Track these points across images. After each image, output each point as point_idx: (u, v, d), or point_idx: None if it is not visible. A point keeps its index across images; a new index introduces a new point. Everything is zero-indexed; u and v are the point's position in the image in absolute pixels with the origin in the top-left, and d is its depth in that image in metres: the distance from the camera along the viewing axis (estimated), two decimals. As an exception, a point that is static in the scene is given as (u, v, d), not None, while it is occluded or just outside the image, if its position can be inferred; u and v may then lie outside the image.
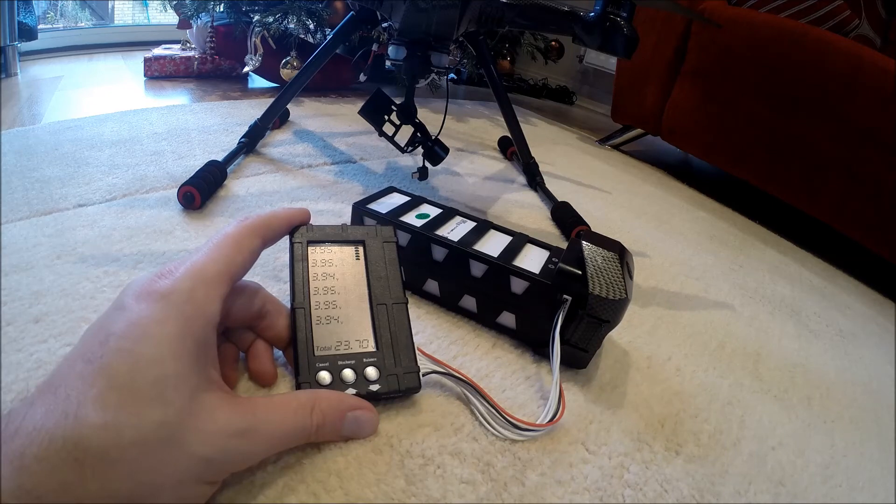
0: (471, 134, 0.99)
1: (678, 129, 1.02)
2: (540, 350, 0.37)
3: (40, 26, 1.11)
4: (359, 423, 0.27)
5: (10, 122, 0.69)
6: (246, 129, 0.67)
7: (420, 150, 0.60)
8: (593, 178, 0.87)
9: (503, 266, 0.36)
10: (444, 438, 0.29)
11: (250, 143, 0.66)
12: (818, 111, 0.86)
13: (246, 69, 1.01)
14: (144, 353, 0.20)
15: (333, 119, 0.91)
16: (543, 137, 1.09)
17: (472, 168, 0.78)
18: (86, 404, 0.18)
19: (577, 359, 0.36)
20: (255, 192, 0.56)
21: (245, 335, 0.30)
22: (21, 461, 0.17)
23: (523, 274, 0.35)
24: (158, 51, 1.08)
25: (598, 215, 0.66)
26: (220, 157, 0.59)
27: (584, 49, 1.70)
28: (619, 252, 0.36)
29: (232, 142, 0.67)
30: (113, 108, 0.79)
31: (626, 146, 1.18)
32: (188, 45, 1.15)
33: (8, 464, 0.17)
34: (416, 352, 0.31)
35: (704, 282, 0.56)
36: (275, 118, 0.68)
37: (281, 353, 0.32)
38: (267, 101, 0.79)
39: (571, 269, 0.34)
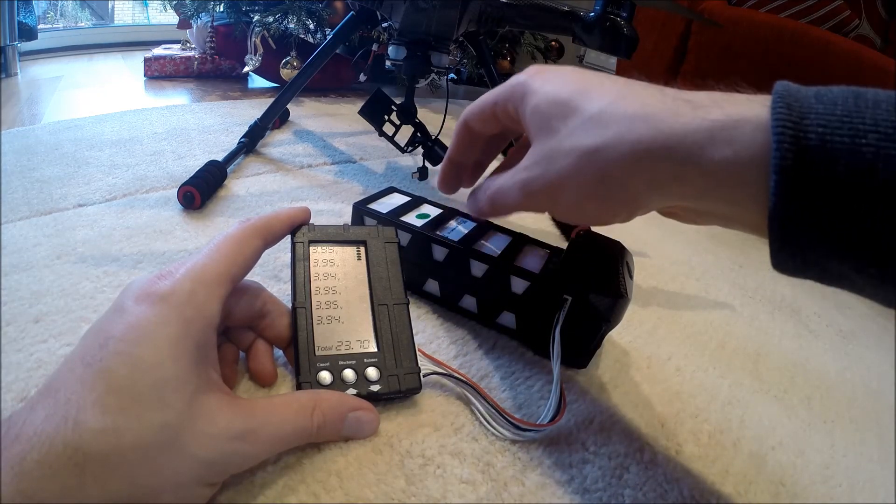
0: (471, 134, 0.99)
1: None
2: (540, 350, 0.37)
3: (40, 26, 1.11)
4: (359, 424, 0.27)
5: (10, 122, 0.69)
6: (246, 129, 0.67)
7: (420, 150, 0.60)
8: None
9: (503, 266, 0.36)
10: (444, 438, 0.29)
11: (250, 143, 0.66)
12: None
13: (246, 69, 1.00)
14: (144, 356, 0.20)
15: (333, 119, 0.91)
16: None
17: (472, 168, 0.78)
18: (85, 408, 0.18)
19: (577, 359, 0.36)
20: (255, 192, 0.56)
21: (245, 335, 0.30)
22: (21, 466, 0.17)
23: (524, 274, 0.35)
24: (158, 51, 1.08)
25: (598, 215, 0.66)
26: (220, 157, 0.59)
27: (584, 49, 1.70)
28: (619, 252, 0.36)
29: (232, 142, 0.67)
30: (113, 108, 0.79)
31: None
32: (188, 45, 1.15)
33: (8, 469, 0.17)
34: (417, 352, 0.31)
35: (704, 282, 0.56)
36: (275, 118, 0.68)
37: (281, 352, 0.32)
38: (267, 101, 0.79)
39: (572, 269, 0.34)
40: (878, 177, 0.16)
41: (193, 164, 0.57)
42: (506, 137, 0.33)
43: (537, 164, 0.25)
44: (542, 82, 0.25)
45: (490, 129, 0.31)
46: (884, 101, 0.17)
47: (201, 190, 0.50)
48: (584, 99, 0.23)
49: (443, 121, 0.67)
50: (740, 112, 0.19)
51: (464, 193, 0.34)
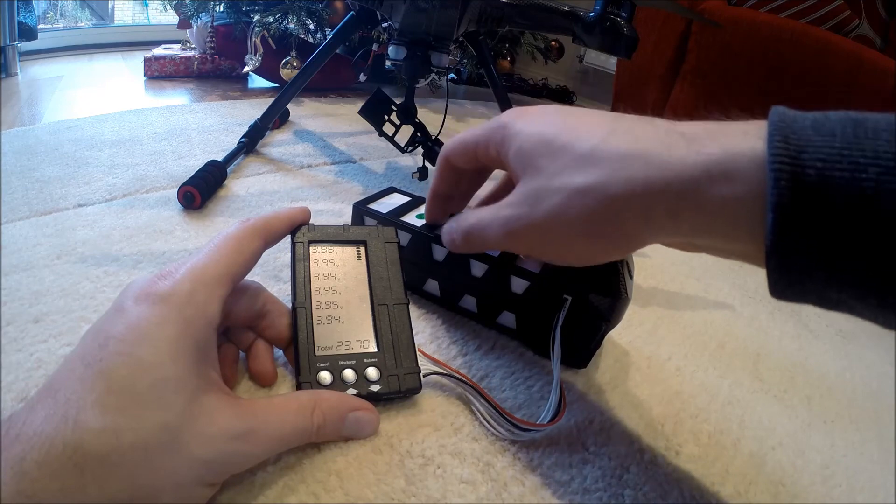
0: (471, 134, 0.99)
1: (678, 129, 1.02)
2: (540, 350, 0.37)
3: (40, 26, 1.11)
4: (360, 424, 0.27)
5: (10, 122, 0.69)
6: (246, 129, 0.67)
7: (420, 150, 0.60)
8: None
9: (503, 266, 0.36)
10: (444, 438, 0.29)
11: (250, 142, 0.66)
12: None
13: (246, 69, 1.01)
14: (143, 357, 0.20)
15: (333, 119, 0.91)
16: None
17: (472, 168, 0.78)
18: (85, 409, 0.18)
19: (578, 359, 0.36)
20: (255, 192, 0.56)
21: (245, 335, 0.30)
22: (21, 466, 0.17)
23: (524, 274, 0.35)
24: (158, 51, 1.08)
25: (598, 215, 0.66)
26: (220, 157, 0.59)
27: (584, 49, 1.70)
28: (620, 252, 0.36)
29: (232, 142, 0.67)
30: (113, 108, 0.79)
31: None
32: (188, 45, 1.15)
33: (8, 469, 0.17)
34: (417, 352, 0.31)
35: (704, 282, 0.56)
36: (275, 118, 0.68)
37: (281, 352, 0.32)
38: (267, 101, 0.79)
39: (572, 268, 0.34)
40: (879, 211, 0.16)
41: (193, 164, 0.57)
42: (490, 170, 0.33)
43: (523, 203, 0.24)
44: (524, 124, 0.25)
45: (471, 165, 0.30)
46: (884, 131, 0.16)
47: (201, 190, 0.50)
48: (572, 137, 0.23)
49: (443, 121, 0.67)
50: (736, 145, 0.19)
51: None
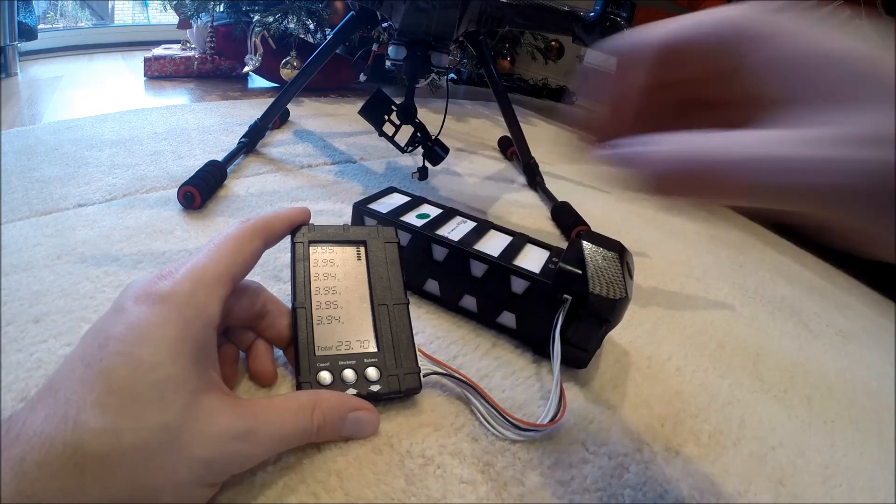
0: (471, 134, 0.99)
1: (678, 129, 1.02)
2: (540, 350, 0.37)
3: (40, 26, 1.11)
4: (360, 424, 0.27)
5: (10, 122, 0.69)
6: (246, 129, 0.67)
7: (420, 150, 0.60)
8: (593, 178, 0.87)
9: (503, 266, 0.36)
10: (444, 438, 0.29)
11: (250, 142, 0.66)
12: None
13: (246, 69, 1.01)
14: (144, 357, 0.20)
15: (333, 119, 0.91)
16: (543, 137, 1.09)
17: (472, 168, 0.78)
18: (85, 409, 0.18)
19: (578, 359, 0.36)
20: (255, 192, 0.56)
21: (245, 335, 0.30)
22: (21, 466, 0.17)
23: (524, 274, 0.35)
24: (158, 51, 1.08)
25: (598, 215, 0.66)
26: (220, 157, 0.59)
27: (584, 49, 1.69)
28: (619, 252, 0.36)
29: (232, 142, 0.67)
30: (113, 108, 0.79)
31: (626, 146, 1.18)
32: (188, 45, 1.15)
33: (8, 469, 0.17)
34: (417, 352, 0.31)
35: (704, 282, 0.56)
36: (275, 118, 0.68)
37: (281, 352, 0.32)
38: (267, 101, 0.79)
39: (572, 268, 0.34)
40: None
41: (193, 164, 0.57)
42: (671, 92, 0.22)
43: (845, 142, 0.13)
44: (793, 23, 0.16)
45: (669, 69, 0.21)
46: None
47: (201, 190, 0.50)
48: None
49: (443, 121, 0.67)
50: None
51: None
